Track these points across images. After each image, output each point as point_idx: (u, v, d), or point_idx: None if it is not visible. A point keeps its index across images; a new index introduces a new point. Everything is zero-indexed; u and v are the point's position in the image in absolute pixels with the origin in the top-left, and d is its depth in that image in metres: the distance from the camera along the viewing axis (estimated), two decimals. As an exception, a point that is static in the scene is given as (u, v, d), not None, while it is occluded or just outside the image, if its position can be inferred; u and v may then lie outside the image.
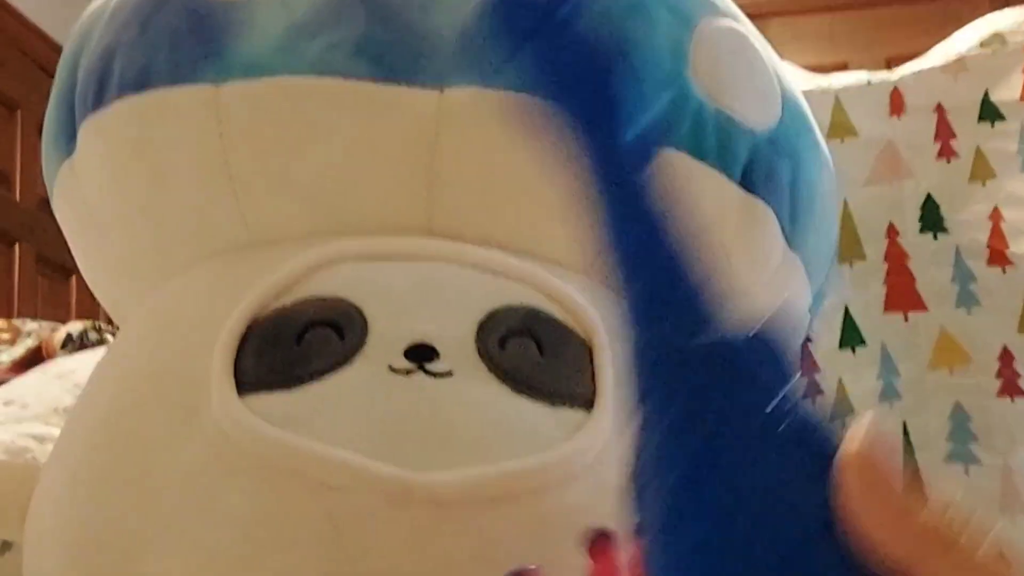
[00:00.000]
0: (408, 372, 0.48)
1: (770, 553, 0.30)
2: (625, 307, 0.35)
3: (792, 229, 0.60)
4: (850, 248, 1.13)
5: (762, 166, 0.58)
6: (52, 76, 0.64)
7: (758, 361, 0.33)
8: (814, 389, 1.04)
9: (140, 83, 0.56)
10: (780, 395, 0.32)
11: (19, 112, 2.94)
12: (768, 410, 0.32)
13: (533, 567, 0.41)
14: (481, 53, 0.53)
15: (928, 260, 1.13)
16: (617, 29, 0.55)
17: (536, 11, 0.36)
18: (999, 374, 1.09)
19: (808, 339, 0.75)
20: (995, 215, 1.12)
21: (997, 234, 1.12)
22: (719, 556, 0.31)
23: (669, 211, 0.35)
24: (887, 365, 1.10)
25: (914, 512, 0.29)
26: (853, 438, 0.30)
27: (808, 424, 0.32)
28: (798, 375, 0.33)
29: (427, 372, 0.48)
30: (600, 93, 0.36)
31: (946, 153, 1.15)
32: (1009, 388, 1.08)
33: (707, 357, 0.33)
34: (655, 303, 0.34)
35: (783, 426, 0.31)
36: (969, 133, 1.14)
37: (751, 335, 0.33)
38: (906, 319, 1.12)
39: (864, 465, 0.29)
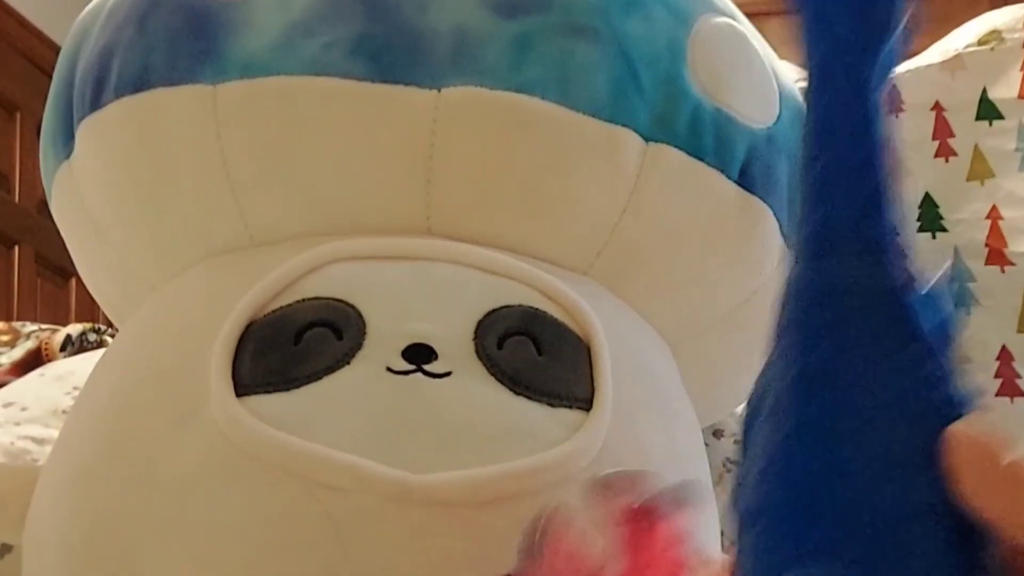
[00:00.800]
0: (407, 373, 0.48)
1: (872, 517, 0.30)
2: (804, 236, 0.34)
3: (790, 228, 0.60)
4: (849, 247, 1.13)
5: (760, 164, 0.58)
6: (51, 78, 0.64)
7: (916, 317, 0.33)
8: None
9: (138, 83, 0.56)
10: (927, 358, 0.32)
11: (18, 114, 2.94)
12: (913, 373, 0.32)
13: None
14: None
15: (926, 260, 1.12)
16: (614, 25, 0.55)
17: None
18: (998, 374, 1.08)
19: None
20: (994, 214, 1.12)
21: (996, 233, 1.12)
22: (820, 503, 0.31)
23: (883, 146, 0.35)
24: (887, 364, 1.10)
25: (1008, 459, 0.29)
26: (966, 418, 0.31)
27: (945, 397, 0.32)
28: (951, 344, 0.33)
29: (425, 373, 0.48)
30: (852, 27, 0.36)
31: (944, 152, 1.15)
32: (1008, 388, 1.08)
33: (872, 302, 0.33)
34: (825, 231, 0.34)
35: (920, 392, 0.32)
36: (967, 132, 1.14)
37: (921, 291, 0.34)
38: (905, 318, 1.11)
39: (974, 435, 0.30)
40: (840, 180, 0.34)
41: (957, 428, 0.30)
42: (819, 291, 0.34)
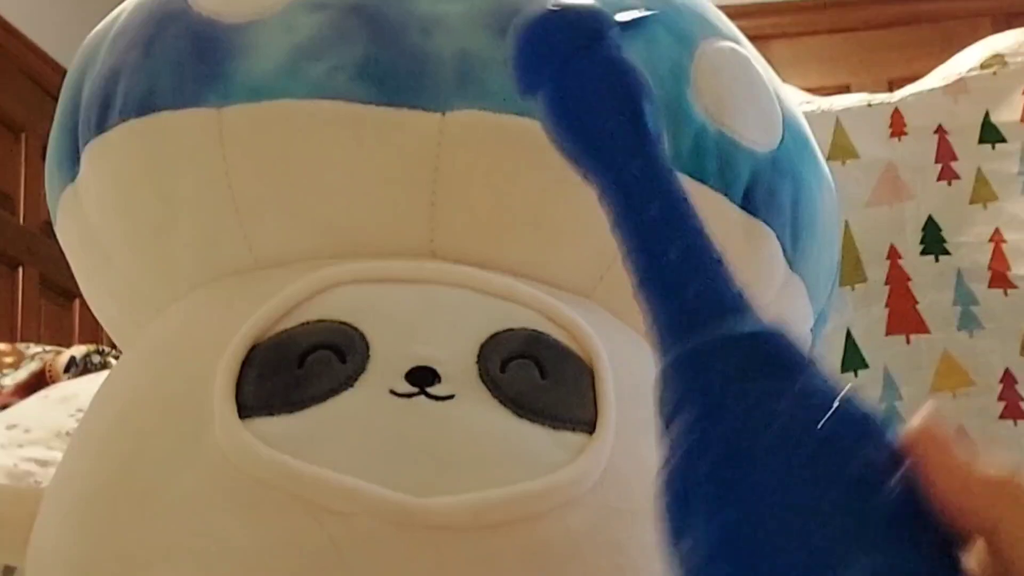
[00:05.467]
0: (410, 396, 0.48)
1: (800, 542, 0.31)
2: (663, 325, 0.37)
3: (794, 251, 0.60)
4: (851, 270, 1.13)
5: (763, 187, 0.58)
6: (57, 99, 0.64)
7: (787, 351, 0.35)
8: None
9: (144, 106, 0.56)
10: (816, 388, 0.33)
11: (24, 135, 2.95)
12: (804, 404, 0.33)
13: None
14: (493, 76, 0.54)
15: (930, 283, 1.12)
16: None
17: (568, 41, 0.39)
18: (1001, 396, 1.08)
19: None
20: (996, 237, 1.12)
21: (999, 256, 1.12)
22: (747, 545, 0.31)
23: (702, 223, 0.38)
24: (889, 388, 1.10)
25: (986, 471, 0.30)
26: (916, 418, 0.32)
27: (854, 418, 0.33)
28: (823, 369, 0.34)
29: (429, 395, 0.48)
30: (632, 120, 0.39)
31: (947, 175, 1.15)
32: (1012, 411, 1.08)
33: (739, 349, 0.35)
34: (695, 310, 0.37)
35: (821, 417, 0.32)
36: (970, 155, 1.14)
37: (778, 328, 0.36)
38: (908, 342, 1.11)
39: (932, 435, 0.31)
40: (683, 270, 0.37)
41: (914, 431, 0.31)
42: (696, 367, 0.36)
